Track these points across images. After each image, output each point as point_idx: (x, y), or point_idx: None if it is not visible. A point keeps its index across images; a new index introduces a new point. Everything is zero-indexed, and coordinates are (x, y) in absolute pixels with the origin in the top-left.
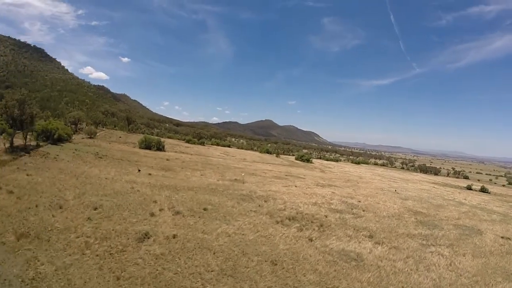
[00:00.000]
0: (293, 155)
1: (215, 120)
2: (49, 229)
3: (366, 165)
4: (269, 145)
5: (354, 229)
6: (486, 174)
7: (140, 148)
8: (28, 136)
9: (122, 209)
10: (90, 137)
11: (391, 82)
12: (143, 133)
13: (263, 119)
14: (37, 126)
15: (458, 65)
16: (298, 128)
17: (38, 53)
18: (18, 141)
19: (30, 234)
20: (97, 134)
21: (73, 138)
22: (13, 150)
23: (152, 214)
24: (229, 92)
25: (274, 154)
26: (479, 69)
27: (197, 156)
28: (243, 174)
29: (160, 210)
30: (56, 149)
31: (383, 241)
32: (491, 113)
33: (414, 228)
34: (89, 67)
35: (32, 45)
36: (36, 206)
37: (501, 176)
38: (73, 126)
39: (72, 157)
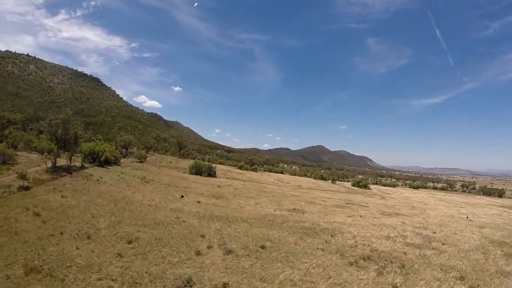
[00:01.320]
0: (348, 181)
1: (266, 146)
2: (68, 264)
3: (425, 189)
4: (323, 171)
5: (440, 269)
6: None
7: (190, 173)
8: (74, 157)
9: (162, 244)
10: (140, 161)
11: (443, 100)
12: (194, 159)
13: (315, 145)
14: (84, 147)
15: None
16: (350, 153)
17: (94, 82)
18: (63, 161)
19: (42, 269)
20: (148, 159)
21: (122, 161)
22: (55, 170)
23: (198, 253)
24: (279, 118)
25: (329, 181)
26: None
27: (250, 183)
28: (302, 204)
29: (209, 247)
30: (101, 171)
31: (477, 283)
32: None
33: (505, 263)
34: (142, 96)
35: (88, 74)
36: (61, 233)
37: None
38: (123, 150)
39: (116, 180)
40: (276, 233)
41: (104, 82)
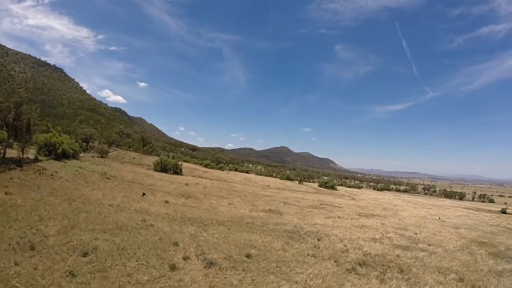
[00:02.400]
0: (314, 181)
1: (230, 146)
2: None
3: (389, 191)
4: (288, 171)
5: (438, 271)
6: (509, 196)
7: (155, 170)
8: (27, 149)
9: (127, 256)
10: (101, 156)
11: (405, 107)
12: (159, 156)
13: (279, 146)
14: (39, 138)
15: (472, 87)
16: (313, 155)
17: (57, 72)
18: (15, 153)
19: None
20: (109, 154)
21: (81, 155)
22: (3, 162)
23: (173, 267)
24: (244, 119)
25: (296, 181)
26: (492, 90)
27: (218, 182)
28: (281, 204)
29: (185, 258)
30: (57, 165)
31: (478, 284)
32: (507, 134)
33: (494, 263)
34: (107, 90)
35: (52, 64)
36: None
37: None
38: (83, 143)
39: (73, 175)
40: (259, 238)
41: (68, 74)
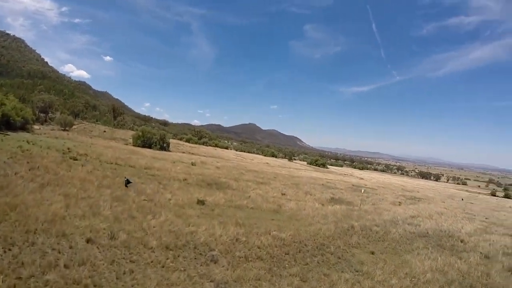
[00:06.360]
0: (295, 159)
1: (196, 122)
2: None
3: (367, 170)
4: (267, 148)
5: None
6: (474, 180)
7: (135, 145)
8: None
9: None
10: (64, 129)
11: (370, 89)
12: (132, 129)
13: (247, 123)
14: None
15: (437, 74)
16: (281, 132)
17: (17, 43)
18: None
19: None
20: (74, 127)
21: (36, 128)
22: None
23: None
24: (210, 95)
25: (280, 158)
26: (457, 79)
27: (218, 159)
28: (362, 191)
29: None
30: None
31: None
32: (466, 121)
33: None
34: (70, 65)
35: (11, 34)
36: None
37: (490, 182)
38: (41, 114)
39: (10, 156)
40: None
41: (29, 45)
